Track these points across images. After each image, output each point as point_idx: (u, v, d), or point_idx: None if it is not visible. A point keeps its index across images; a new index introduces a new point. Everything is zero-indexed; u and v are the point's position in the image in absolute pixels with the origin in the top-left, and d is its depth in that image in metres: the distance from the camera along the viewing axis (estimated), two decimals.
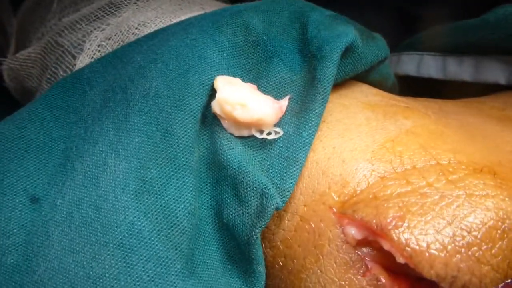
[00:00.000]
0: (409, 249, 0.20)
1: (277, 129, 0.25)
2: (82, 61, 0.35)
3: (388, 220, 0.21)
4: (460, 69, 0.39)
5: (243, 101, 0.24)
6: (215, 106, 0.24)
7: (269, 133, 0.24)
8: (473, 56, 0.37)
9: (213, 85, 0.25)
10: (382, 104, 0.28)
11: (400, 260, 0.21)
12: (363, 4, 0.55)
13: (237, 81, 0.25)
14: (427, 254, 0.20)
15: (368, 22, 0.32)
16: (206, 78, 0.25)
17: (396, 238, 0.21)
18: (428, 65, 0.42)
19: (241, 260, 0.25)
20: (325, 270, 0.23)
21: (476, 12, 0.36)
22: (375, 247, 0.23)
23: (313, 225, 0.24)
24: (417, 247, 0.20)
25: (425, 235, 0.21)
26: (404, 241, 0.21)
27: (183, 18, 0.32)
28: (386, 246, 0.21)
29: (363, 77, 0.31)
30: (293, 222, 0.25)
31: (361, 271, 0.23)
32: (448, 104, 0.34)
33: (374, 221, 0.21)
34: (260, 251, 0.24)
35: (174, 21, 0.32)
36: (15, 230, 0.24)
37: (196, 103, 0.24)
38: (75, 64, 0.35)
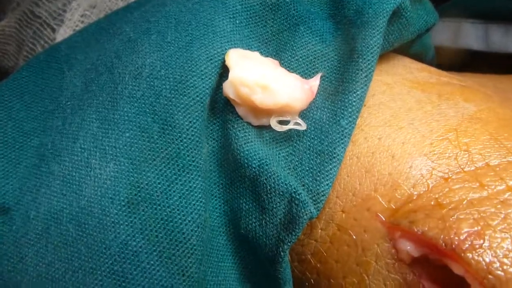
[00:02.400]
0: (492, 277, 0.15)
1: (300, 121, 0.19)
2: (63, 34, 0.29)
3: (462, 238, 0.16)
4: (506, 39, 0.34)
5: (264, 81, 0.18)
6: (228, 88, 0.19)
7: (292, 123, 0.19)
8: None
9: (224, 61, 0.19)
10: (433, 82, 0.22)
11: None
12: None
13: (255, 55, 0.19)
14: None
15: None
16: (215, 52, 0.19)
17: (474, 262, 0.16)
18: (468, 35, 0.36)
19: (263, 278, 0.20)
20: None
21: None
22: (432, 263, 0.18)
23: (354, 236, 0.19)
24: (503, 274, 0.15)
25: None
26: (485, 266, 0.16)
27: None
28: (459, 270, 0.16)
29: (405, 48, 0.25)
30: (328, 232, 0.20)
31: None
32: (499, 80, 0.28)
33: (441, 237, 0.16)
34: (288, 269, 0.19)
35: None
36: None
37: (203, 84, 0.19)
38: (54, 39, 0.30)
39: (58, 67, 0.22)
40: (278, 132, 0.20)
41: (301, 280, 0.21)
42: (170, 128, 0.18)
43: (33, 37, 0.30)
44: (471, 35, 0.36)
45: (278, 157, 0.20)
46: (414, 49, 0.26)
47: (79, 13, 0.29)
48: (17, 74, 0.22)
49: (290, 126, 0.19)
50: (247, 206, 0.19)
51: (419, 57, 0.27)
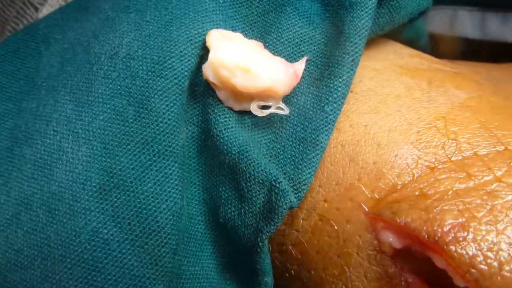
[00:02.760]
0: (474, 270, 0.15)
1: (282, 105, 0.18)
2: (46, 14, 0.28)
3: (445, 230, 0.15)
4: (502, 28, 0.33)
5: (245, 64, 0.17)
6: (208, 70, 0.18)
7: (274, 108, 0.18)
8: None
9: (205, 42, 0.18)
10: (424, 68, 0.22)
11: (460, 283, 0.15)
12: None
13: (238, 36, 0.19)
14: (499, 277, 0.15)
15: None
16: (196, 32, 0.18)
17: (456, 255, 0.15)
18: (463, 22, 0.35)
19: (243, 268, 0.20)
20: (352, 286, 0.18)
21: None
22: (415, 256, 0.18)
23: (336, 227, 0.18)
24: (486, 268, 0.15)
25: (497, 252, 0.15)
26: (468, 260, 0.15)
27: None
28: (441, 263, 0.16)
29: (396, 34, 0.24)
30: (310, 222, 0.19)
31: None
32: (494, 68, 0.27)
33: (424, 228, 0.16)
34: (268, 259, 0.19)
35: None
36: None
37: (182, 66, 0.18)
38: (37, 18, 0.29)
39: (35, 46, 0.21)
40: (260, 118, 0.19)
41: (281, 271, 0.21)
42: (146, 111, 0.17)
43: (16, 17, 0.29)
44: (467, 23, 0.35)
45: (260, 144, 0.19)
46: (406, 34, 0.25)
47: None
48: None
49: (272, 110, 0.18)
50: (226, 195, 0.19)
51: (412, 43, 0.26)
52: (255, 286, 0.19)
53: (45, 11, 0.28)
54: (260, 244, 0.18)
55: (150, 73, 0.17)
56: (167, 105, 0.17)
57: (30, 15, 0.29)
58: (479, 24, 0.34)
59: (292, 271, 0.20)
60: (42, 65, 0.20)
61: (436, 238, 0.16)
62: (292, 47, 0.20)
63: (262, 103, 0.18)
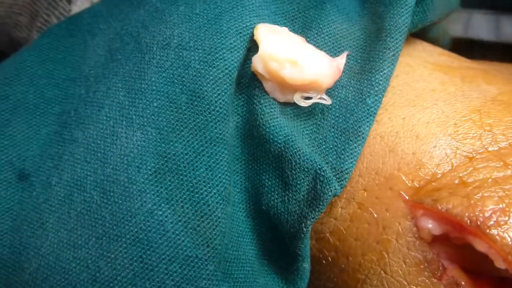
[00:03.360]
0: None
1: (324, 96, 0.19)
2: (80, 6, 0.29)
3: (487, 215, 0.16)
4: None
5: (294, 57, 0.18)
6: (257, 62, 0.19)
7: (317, 98, 0.19)
8: None
9: (253, 35, 0.19)
10: (454, 66, 0.22)
11: (502, 265, 0.16)
12: None
13: (284, 30, 0.19)
14: None
15: None
16: (244, 25, 0.19)
17: (498, 239, 0.16)
18: (478, 25, 0.36)
19: (281, 255, 0.20)
20: (391, 271, 0.19)
21: None
22: (451, 243, 0.19)
23: (375, 215, 0.19)
24: None
25: None
26: (510, 242, 0.16)
27: None
28: (482, 247, 0.17)
29: (424, 32, 0.25)
30: (349, 210, 0.20)
31: (438, 273, 0.18)
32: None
33: (466, 214, 0.17)
34: (308, 246, 0.19)
35: None
36: None
37: (232, 57, 0.18)
38: (70, 10, 0.29)
39: (80, 36, 0.22)
40: (302, 109, 0.20)
41: (317, 258, 0.21)
42: (198, 99, 0.18)
43: (47, 8, 0.30)
44: (482, 26, 0.36)
45: (302, 134, 0.20)
46: (432, 33, 0.26)
47: None
48: (39, 41, 0.21)
49: (315, 100, 0.19)
50: (269, 182, 0.19)
51: (435, 42, 0.27)
52: (293, 272, 0.20)
53: (79, 3, 0.29)
54: (304, 229, 0.19)
55: (202, 63, 0.18)
56: (218, 94, 0.18)
57: (62, 7, 0.30)
58: (493, 27, 0.35)
59: (330, 258, 0.21)
60: (88, 54, 0.21)
61: (478, 223, 0.16)
62: (333, 42, 0.20)
63: (306, 95, 0.19)
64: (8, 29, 0.32)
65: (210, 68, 0.18)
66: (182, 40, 0.19)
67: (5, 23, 0.32)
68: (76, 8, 0.28)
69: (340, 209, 0.20)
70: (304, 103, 0.19)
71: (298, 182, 0.19)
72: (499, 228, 0.16)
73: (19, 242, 0.18)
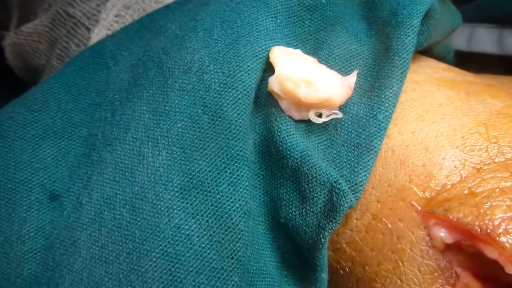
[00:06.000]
0: None
1: (337, 111, 0.20)
2: (98, 33, 0.30)
3: (496, 223, 0.17)
4: None
5: (308, 77, 0.19)
6: (274, 83, 0.20)
7: (329, 114, 0.20)
8: None
9: (268, 57, 0.20)
10: (459, 80, 0.24)
11: (511, 271, 0.17)
12: None
13: (297, 52, 0.21)
14: None
15: None
16: (260, 49, 0.20)
17: (508, 246, 0.17)
18: (482, 39, 0.37)
19: (300, 266, 0.21)
20: (406, 279, 0.20)
21: None
22: (463, 251, 0.19)
23: (389, 225, 0.20)
24: None
25: None
26: None
27: None
28: (492, 254, 0.17)
29: (429, 49, 0.26)
30: (364, 221, 0.21)
31: (451, 281, 0.19)
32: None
33: (476, 223, 0.18)
34: (326, 257, 0.20)
35: None
36: (31, 234, 0.20)
37: (250, 79, 0.20)
38: (89, 38, 0.31)
39: (104, 62, 0.23)
40: (315, 125, 0.21)
41: (334, 269, 0.22)
42: (219, 119, 0.19)
43: (66, 36, 0.31)
44: (485, 39, 0.37)
45: (317, 149, 0.21)
46: (437, 50, 0.27)
47: (113, 13, 0.30)
48: (64, 69, 0.23)
49: (328, 118, 0.20)
50: (287, 196, 0.20)
51: (440, 59, 0.28)
52: (311, 282, 0.21)
53: (97, 31, 0.30)
54: (322, 240, 0.19)
55: (222, 85, 0.19)
56: (238, 114, 0.19)
57: (81, 35, 0.31)
58: (497, 40, 0.36)
59: (347, 268, 0.21)
60: (112, 79, 0.22)
61: (488, 231, 0.17)
62: (343, 62, 0.22)
63: (320, 111, 0.20)
64: (26, 56, 0.34)
65: (230, 90, 0.19)
66: (202, 64, 0.20)
67: (24, 50, 0.33)
68: (95, 36, 0.30)
69: (355, 220, 0.21)
70: (318, 120, 0.20)
71: (315, 195, 0.20)
72: (508, 236, 0.17)
73: (52, 259, 0.19)
